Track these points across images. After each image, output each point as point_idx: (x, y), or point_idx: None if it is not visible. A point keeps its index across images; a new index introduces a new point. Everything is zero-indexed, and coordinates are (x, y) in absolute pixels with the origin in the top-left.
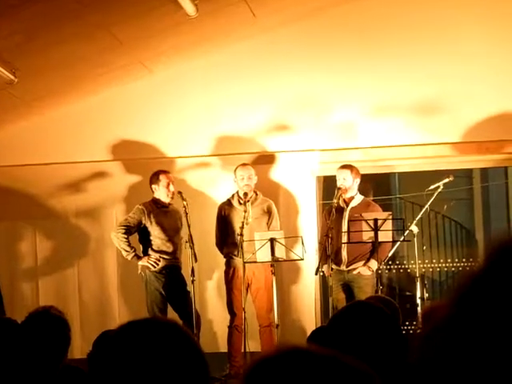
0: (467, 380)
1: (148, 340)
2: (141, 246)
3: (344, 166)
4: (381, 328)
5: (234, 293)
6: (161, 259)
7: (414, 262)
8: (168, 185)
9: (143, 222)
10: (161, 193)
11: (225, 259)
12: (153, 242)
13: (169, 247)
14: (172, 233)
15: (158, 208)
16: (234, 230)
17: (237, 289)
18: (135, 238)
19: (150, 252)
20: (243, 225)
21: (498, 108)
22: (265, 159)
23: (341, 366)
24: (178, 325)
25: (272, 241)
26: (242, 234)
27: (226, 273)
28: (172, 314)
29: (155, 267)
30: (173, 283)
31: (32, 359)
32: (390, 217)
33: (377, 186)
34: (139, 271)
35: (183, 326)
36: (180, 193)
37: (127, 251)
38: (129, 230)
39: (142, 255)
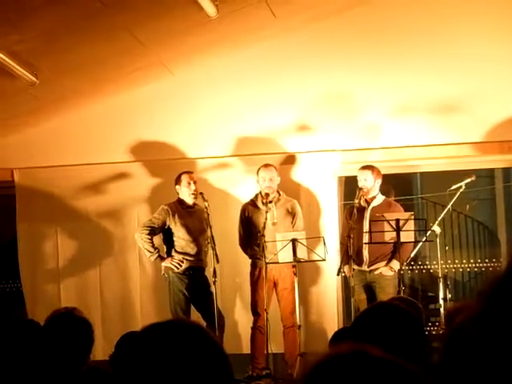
0: (493, 379)
1: (172, 342)
2: (165, 246)
3: (365, 167)
4: (405, 329)
5: (259, 293)
6: (184, 260)
7: (436, 262)
8: (189, 183)
9: (167, 222)
10: (184, 192)
11: (250, 260)
12: (176, 243)
13: (193, 248)
14: (197, 233)
15: (182, 208)
16: (258, 231)
17: (262, 289)
18: (159, 238)
19: (174, 253)
20: (265, 225)
21: None
22: (286, 159)
23: (400, 370)
24: (201, 327)
25: (294, 241)
26: (263, 235)
27: (252, 274)
28: (195, 315)
29: (178, 268)
30: (196, 284)
31: (55, 361)
32: (412, 217)
33: (399, 186)
34: (162, 272)
35: (207, 328)
36: (201, 194)
37: (151, 252)
38: (153, 231)
39: (165, 256)
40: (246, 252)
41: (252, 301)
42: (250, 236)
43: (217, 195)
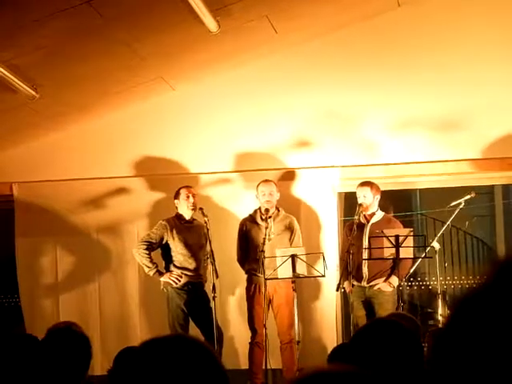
0: None
1: (171, 357)
2: (163, 261)
3: (364, 183)
4: (402, 345)
5: (255, 309)
6: (183, 275)
7: (435, 278)
8: (188, 197)
9: (165, 237)
10: (182, 206)
11: (246, 275)
12: (175, 258)
13: (191, 263)
14: (196, 248)
15: (181, 223)
16: (255, 246)
17: (258, 305)
18: (158, 253)
19: (172, 268)
20: (265, 241)
21: None
22: (286, 175)
23: None
24: (200, 342)
25: (293, 257)
26: (263, 250)
27: (248, 289)
28: (193, 330)
29: (177, 283)
30: (195, 300)
31: (54, 376)
32: (412, 233)
33: (398, 202)
34: (161, 287)
35: (206, 344)
36: (201, 209)
37: (149, 267)
38: (151, 246)
39: (164, 271)
40: (243, 267)
41: (249, 316)
42: (248, 251)
43: (216, 210)
